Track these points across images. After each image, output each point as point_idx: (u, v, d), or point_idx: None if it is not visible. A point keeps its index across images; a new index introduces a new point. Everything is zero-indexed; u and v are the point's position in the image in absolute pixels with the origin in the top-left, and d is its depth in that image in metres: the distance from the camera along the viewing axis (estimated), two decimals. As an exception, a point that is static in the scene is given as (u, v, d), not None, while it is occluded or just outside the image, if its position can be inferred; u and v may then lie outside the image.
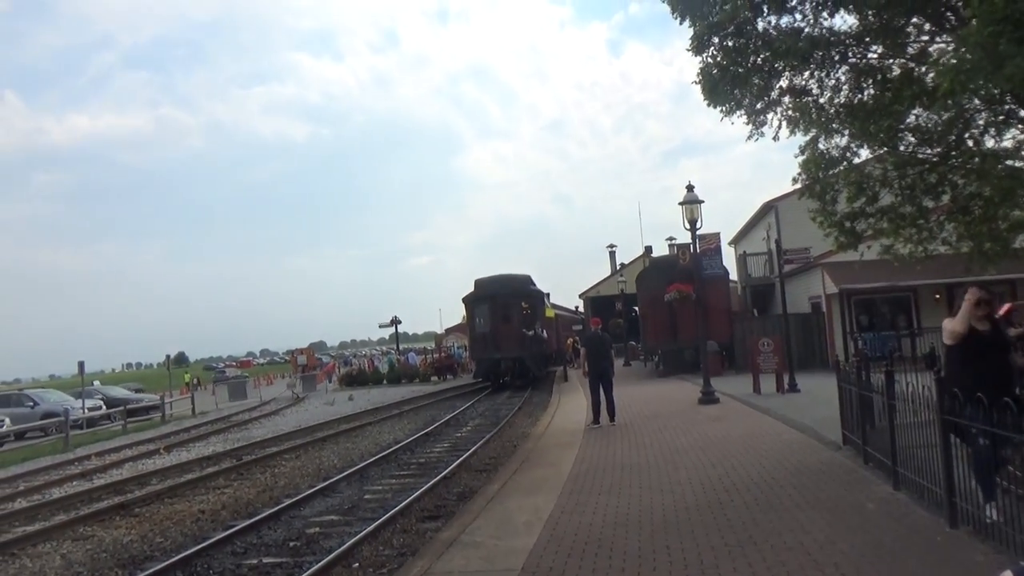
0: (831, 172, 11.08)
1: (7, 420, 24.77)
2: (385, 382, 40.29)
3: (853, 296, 23.11)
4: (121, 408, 27.68)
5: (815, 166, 11.08)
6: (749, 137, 11.39)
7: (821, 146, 11.17)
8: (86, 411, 27.48)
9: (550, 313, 33.91)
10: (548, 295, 35.66)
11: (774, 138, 11.27)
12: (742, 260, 33.62)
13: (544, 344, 30.46)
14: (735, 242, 40.15)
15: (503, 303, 29.34)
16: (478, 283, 31.18)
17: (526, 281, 31.41)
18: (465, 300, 31.43)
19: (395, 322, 50.13)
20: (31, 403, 28.75)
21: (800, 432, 10.88)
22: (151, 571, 7.54)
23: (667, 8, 11.17)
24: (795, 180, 11.74)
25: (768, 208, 30.30)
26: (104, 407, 30.03)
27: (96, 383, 42.04)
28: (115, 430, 25.40)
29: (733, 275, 33.24)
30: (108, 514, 10.82)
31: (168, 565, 7.69)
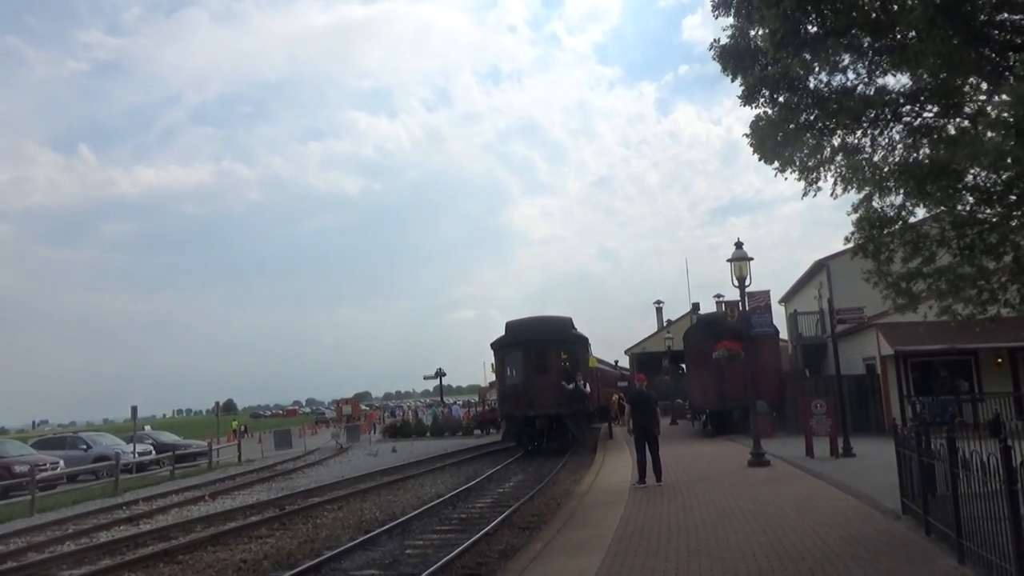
0: (886, 231, 10.88)
1: (61, 462, 25.33)
2: (428, 434, 40.18)
3: (910, 358, 22.36)
4: (170, 454, 28.10)
5: (869, 225, 10.91)
6: (804, 194, 11.32)
7: (875, 204, 11.03)
8: (136, 456, 27.96)
9: (593, 363, 28.23)
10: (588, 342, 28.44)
11: (831, 195, 11.15)
12: (793, 319, 32.96)
13: (587, 400, 25.09)
14: (785, 300, 39.47)
15: (539, 350, 24.84)
16: (510, 326, 26.47)
17: (566, 324, 26.58)
18: (494, 346, 26.58)
19: (439, 374, 50.21)
20: (84, 446, 29.42)
21: (856, 499, 10.45)
22: (192, 620, 7.52)
23: (717, 68, 11.30)
24: (848, 239, 11.57)
25: (819, 266, 29.80)
26: (154, 452, 30.53)
27: (147, 428, 42.81)
28: (163, 475, 25.77)
29: (784, 334, 32.57)
30: (152, 560, 10.89)
31: (209, 614, 7.67)
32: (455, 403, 52.92)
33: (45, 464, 24.00)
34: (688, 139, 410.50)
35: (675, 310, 51.74)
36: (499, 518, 12.39)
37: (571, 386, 23.75)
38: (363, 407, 67.56)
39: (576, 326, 26.89)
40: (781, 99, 10.92)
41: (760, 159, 11.34)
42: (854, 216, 11.67)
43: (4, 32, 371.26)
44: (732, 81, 11.29)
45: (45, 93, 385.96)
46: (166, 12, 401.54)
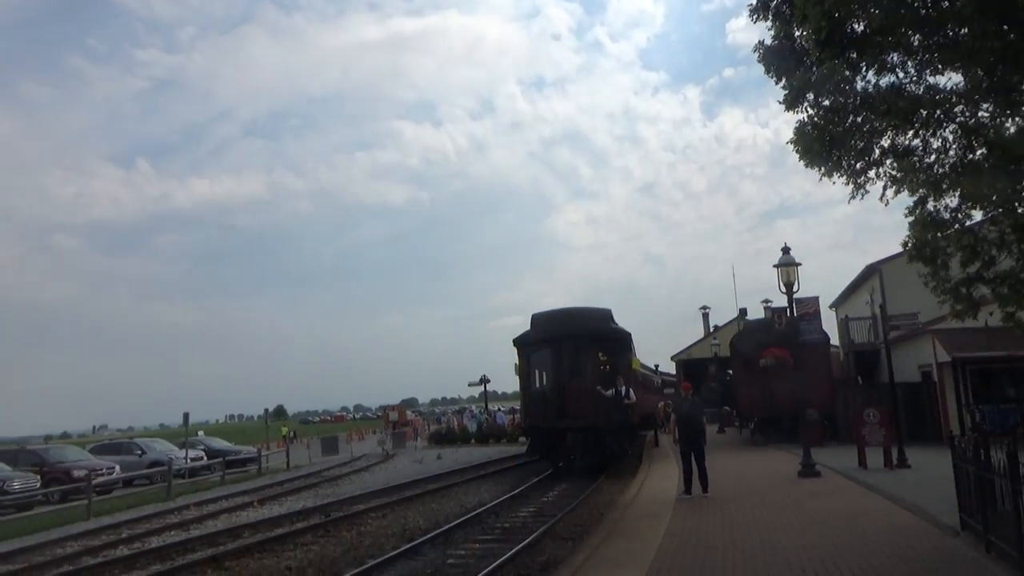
0: (941, 235, 10.49)
1: (117, 468, 26.09)
2: (473, 441, 40.23)
3: (968, 365, 21.58)
4: (220, 460, 28.68)
5: (923, 228, 10.54)
6: (851, 198, 10.95)
7: (930, 207, 10.64)
8: (188, 461, 28.61)
9: (637, 364, 23.69)
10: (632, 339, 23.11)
11: (881, 199, 10.79)
12: (844, 325, 32.15)
13: (630, 410, 20.65)
14: (836, 306, 38.53)
15: (571, 349, 20.65)
16: (537, 320, 22.05)
17: (604, 318, 21.93)
18: (518, 343, 22.00)
19: (484, 381, 50.26)
20: (139, 452, 30.25)
21: (912, 513, 10.08)
22: (236, 628, 7.60)
23: (762, 70, 11.04)
24: (904, 244, 11.19)
25: (871, 271, 29.03)
26: (205, 458, 31.22)
27: (200, 434, 43.86)
28: (214, 481, 26.30)
29: (835, 340, 31.77)
30: (201, 566, 11.09)
31: (253, 623, 7.75)
32: (499, 410, 52.90)
33: (102, 469, 24.76)
34: (735, 143, 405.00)
35: (722, 316, 50.93)
36: (542, 528, 12.28)
37: (610, 392, 19.80)
38: (409, 413, 68.07)
39: (617, 321, 22.45)
40: (826, 102, 10.62)
41: (806, 165, 11.04)
42: (909, 219, 11.29)
43: (69, 53, 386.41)
44: (776, 83, 11.03)
45: (106, 110, 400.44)
46: (221, 31, 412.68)
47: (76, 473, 23.72)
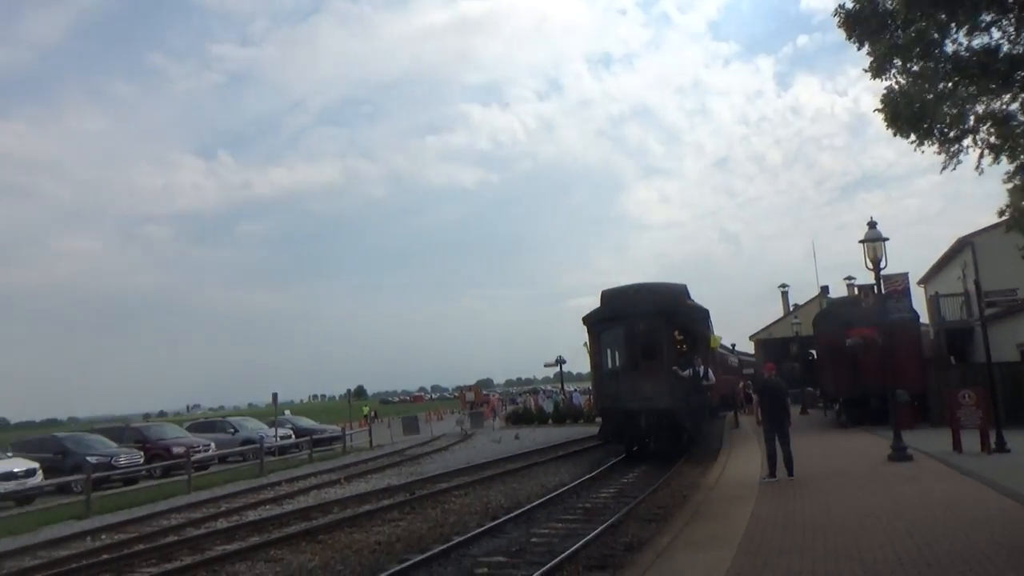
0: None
1: (212, 445, 27.44)
2: (550, 421, 40.50)
3: (1074, 343, 20.37)
4: (308, 438, 29.80)
5: (1024, 197, 10.01)
6: (944, 168, 10.46)
7: (1032, 174, 10.08)
8: (278, 439, 29.84)
9: (716, 343, 22.63)
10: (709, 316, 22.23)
11: (976, 168, 10.26)
12: (934, 301, 30.82)
13: (709, 391, 19.94)
14: (924, 282, 36.91)
15: (644, 327, 19.75)
16: (608, 297, 21.18)
17: (679, 293, 21.01)
18: (588, 321, 21.32)
19: (559, 362, 50.39)
20: (232, 430, 31.73)
21: (1014, 501, 9.65)
22: (334, 600, 7.97)
23: (840, 36, 10.61)
24: (1001, 212, 10.65)
25: (963, 244, 27.66)
26: (293, 436, 32.49)
27: (287, 413, 45.59)
28: (302, 458, 27.38)
29: (924, 318, 30.48)
30: (295, 539, 11.62)
31: (349, 595, 8.11)
32: (575, 391, 53.01)
33: (199, 446, 26.10)
34: (811, 113, 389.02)
35: (802, 294, 49.51)
36: (624, 509, 12.34)
37: (687, 372, 18.98)
38: (485, 393, 68.98)
39: (693, 294, 21.49)
40: (915, 67, 10.13)
41: (895, 134, 10.57)
42: (1008, 186, 10.72)
43: (150, 50, 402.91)
44: (859, 49, 10.57)
45: (186, 104, 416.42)
46: (292, 23, 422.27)
47: (176, 450, 25.13)
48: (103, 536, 13.43)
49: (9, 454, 22.27)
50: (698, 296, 21.86)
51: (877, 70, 10.21)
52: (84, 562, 10.93)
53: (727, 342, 35.09)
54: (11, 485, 19.20)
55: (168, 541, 12.17)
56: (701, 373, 19.07)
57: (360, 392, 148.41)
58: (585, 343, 21.50)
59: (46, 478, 20.08)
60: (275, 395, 31.84)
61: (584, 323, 21.35)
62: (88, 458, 21.04)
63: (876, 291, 17.89)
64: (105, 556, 11.37)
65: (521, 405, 52.75)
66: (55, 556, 11.68)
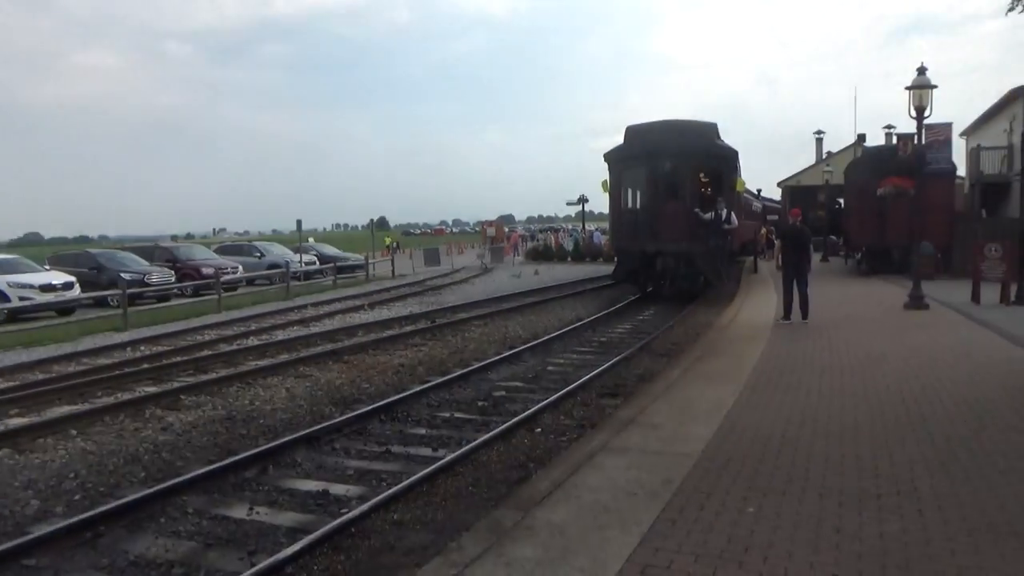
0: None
1: (240, 267, 28.21)
2: (569, 259, 40.96)
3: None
4: (331, 265, 30.49)
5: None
6: (1011, 9, 9.71)
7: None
8: (303, 265, 30.58)
9: (741, 186, 21.44)
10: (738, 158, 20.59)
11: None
12: (974, 154, 29.76)
13: (731, 236, 19.51)
14: (968, 134, 35.44)
15: (670, 167, 19.14)
16: (632, 133, 20.07)
17: (709, 133, 19.77)
18: (609, 158, 20.32)
19: (582, 200, 50.16)
20: (259, 254, 32.50)
21: (1024, 350, 9.80)
22: (360, 412, 8.47)
23: None
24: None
25: (1016, 95, 26.24)
26: (318, 263, 33.26)
27: (311, 240, 46.39)
28: (326, 284, 28.16)
29: (961, 171, 29.58)
30: (323, 358, 12.18)
31: (373, 409, 8.61)
32: (596, 230, 53.13)
33: (227, 268, 26.86)
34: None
35: (837, 142, 48.01)
36: (638, 344, 12.72)
37: (709, 215, 18.59)
38: (508, 229, 69.39)
39: (723, 137, 20.15)
40: None
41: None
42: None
43: None
44: None
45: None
46: None
47: (205, 270, 25.90)
48: (141, 347, 14.16)
49: (46, 267, 23.11)
50: (729, 137, 21.02)
51: None
52: (127, 370, 11.60)
53: (753, 187, 34.25)
54: (51, 297, 20.08)
55: (203, 355, 12.80)
56: (724, 216, 18.60)
57: (382, 223, 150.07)
58: (605, 181, 20.67)
59: (82, 292, 20.93)
60: (299, 222, 32.30)
61: (605, 160, 20.42)
62: (122, 274, 21.77)
63: (916, 140, 17.23)
64: (145, 365, 12.04)
65: (542, 242, 53.18)
66: (98, 363, 12.39)
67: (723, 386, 8.06)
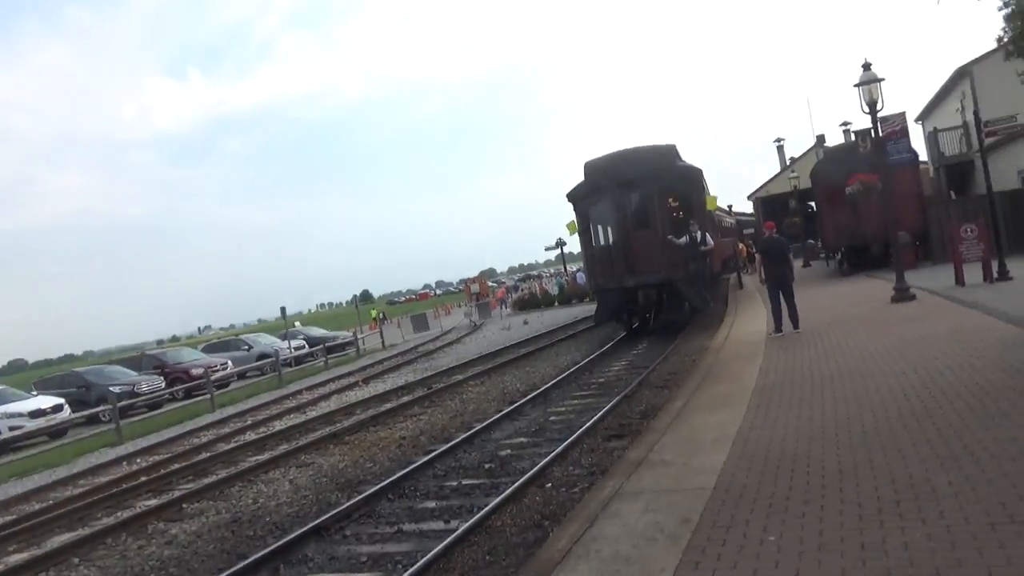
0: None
1: (229, 363, 28.00)
2: (556, 304, 40.99)
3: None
4: (321, 346, 30.30)
5: (1023, 19, 9.60)
6: (939, -2, 10.00)
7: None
8: (292, 351, 30.37)
9: (713, 204, 21.30)
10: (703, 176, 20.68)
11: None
12: (932, 138, 30.33)
13: (708, 257, 18.79)
14: (922, 118, 36.21)
15: (635, 197, 18.73)
16: (591, 168, 19.57)
17: (669, 156, 19.22)
18: (572, 197, 19.73)
19: (560, 244, 50.40)
20: (247, 347, 32.28)
21: (1018, 327, 9.81)
22: (367, 494, 8.30)
23: None
24: (999, 39, 10.28)
25: (961, 75, 26.93)
26: (307, 346, 33.05)
27: (297, 324, 46.17)
28: (318, 366, 27.94)
29: (923, 155, 30.13)
30: (323, 443, 11.99)
31: (380, 488, 8.43)
32: (578, 270, 53.33)
33: (216, 366, 26.61)
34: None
35: (798, 147, 48.84)
36: (636, 380, 12.64)
37: (683, 240, 18.08)
38: (490, 284, 69.51)
39: (684, 158, 19.72)
40: None
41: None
42: (1005, 12, 10.30)
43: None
44: None
45: (147, 24, 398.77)
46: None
47: (195, 371, 25.63)
48: (138, 460, 13.91)
49: (34, 392, 22.80)
50: (691, 157, 21.01)
51: None
52: (124, 485, 11.35)
53: (724, 203, 34.49)
54: (41, 421, 19.79)
55: (201, 458, 12.59)
56: (699, 238, 18.20)
57: (366, 296, 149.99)
58: (572, 222, 20.32)
59: (73, 412, 20.62)
60: (283, 308, 32.25)
61: (569, 200, 19.83)
62: (111, 388, 21.51)
63: (873, 135, 17.55)
64: (144, 478, 11.80)
65: (526, 291, 53.27)
66: (96, 483, 12.13)
67: (727, 411, 7.98)
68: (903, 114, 25.20)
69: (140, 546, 8.19)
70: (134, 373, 25.49)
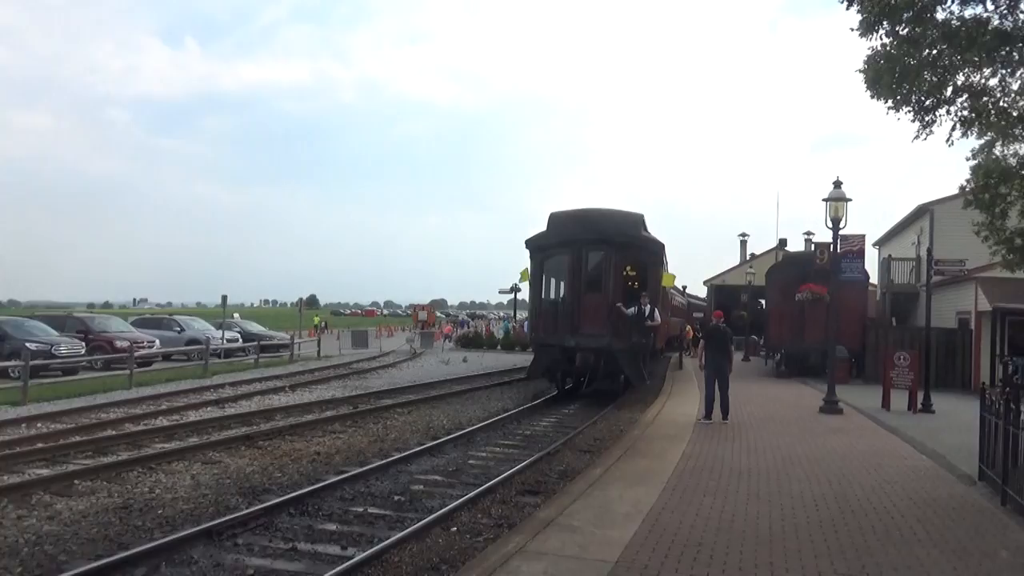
0: (1004, 183, 10.11)
1: (157, 342, 27.12)
2: (499, 347, 40.93)
3: (1008, 316, 21.16)
4: (255, 343, 29.62)
5: (986, 174, 10.15)
6: (915, 137, 10.52)
7: (997, 152, 10.20)
8: (225, 342, 29.61)
9: (668, 280, 21.01)
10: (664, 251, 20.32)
11: (947, 141, 10.34)
12: (885, 264, 31.56)
13: (653, 333, 18.48)
14: (881, 244, 37.69)
15: (593, 257, 18.30)
16: (555, 221, 18.93)
17: (635, 222, 18.80)
18: (531, 245, 19.01)
19: (515, 289, 50.61)
20: (179, 328, 31.38)
21: (930, 459, 10.15)
22: (269, 504, 8.04)
23: (833, -9, 10.43)
24: (963, 188, 10.82)
25: (922, 211, 28.17)
26: (241, 340, 32.26)
27: (236, 316, 45.11)
28: (248, 363, 27.26)
29: (873, 278, 31.28)
30: (235, 443, 11.64)
31: (283, 501, 8.18)
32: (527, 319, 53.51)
33: (143, 342, 25.76)
34: (794, 62, 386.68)
35: (761, 244, 50.31)
36: (561, 440, 12.62)
37: (632, 310, 17.45)
38: (439, 315, 69.20)
39: (649, 229, 19.29)
40: (904, 31, 10.05)
41: (873, 96, 10.56)
42: (972, 163, 10.88)
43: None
44: (847, 8, 10.43)
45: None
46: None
47: (119, 343, 24.76)
48: (39, 424, 13.27)
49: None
50: (658, 233, 20.77)
51: (865, 30, 10.08)
52: (17, 449, 10.81)
53: (680, 284, 34.64)
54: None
55: (106, 435, 12.07)
56: (647, 312, 17.59)
57: (312, 301, 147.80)
58: (525, 270, 19.60)
59: (-19, 361, 19.66)
60: (224, 297, 31.44)
61: (527, 247, 19.06)
62: (27, 344, 20.61)
63: (832, 250, 18.19)
64: (40, 444, 11.25)
65: (472, 329, 53.15)
66: (-14, 440, 11.52)
67: (643, 488, 8.02)
68: (863, 236, 26.19)
69: (20, 516, 7.76)
70: (55, 333, 24.47)
